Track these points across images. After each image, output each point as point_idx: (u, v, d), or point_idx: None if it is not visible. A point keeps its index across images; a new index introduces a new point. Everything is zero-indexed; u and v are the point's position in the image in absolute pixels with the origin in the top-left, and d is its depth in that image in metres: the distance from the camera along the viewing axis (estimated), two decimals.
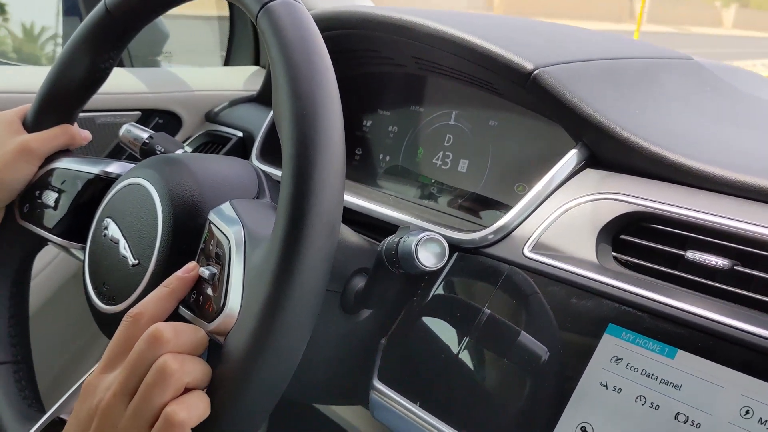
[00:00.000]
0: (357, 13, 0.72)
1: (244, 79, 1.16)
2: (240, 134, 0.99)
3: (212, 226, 0.55)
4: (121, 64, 1.14)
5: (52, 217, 0.72)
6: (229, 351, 0.47)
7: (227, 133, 1.01)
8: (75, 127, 0.75)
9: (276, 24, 0.49)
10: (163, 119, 1.05)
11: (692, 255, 0.53)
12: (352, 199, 0.75)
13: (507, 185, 0.74)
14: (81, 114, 0.86)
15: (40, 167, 0.73)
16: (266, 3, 0.50)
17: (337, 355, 0.62)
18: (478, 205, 0.75)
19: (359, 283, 0.62)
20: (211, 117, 1.08)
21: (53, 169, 0.73)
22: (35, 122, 0.73)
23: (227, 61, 1.25)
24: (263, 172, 0.67)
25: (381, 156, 0.87)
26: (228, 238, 0.52)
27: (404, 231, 0.57)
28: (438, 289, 0.63)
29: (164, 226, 0.58)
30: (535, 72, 0.62)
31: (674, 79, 0.71)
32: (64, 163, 0.73)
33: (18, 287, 0.74)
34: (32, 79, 1.00)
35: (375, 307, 0.63)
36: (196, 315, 0.52)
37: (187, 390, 0.47)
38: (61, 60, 0.71)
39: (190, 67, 1.30)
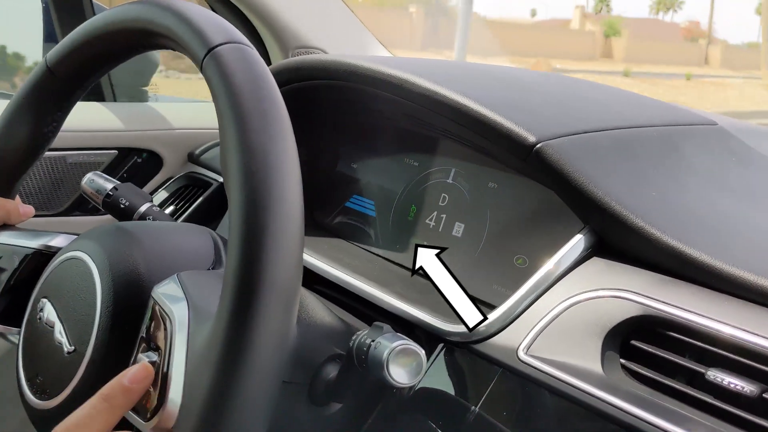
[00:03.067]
0: (344, 63, 0.65)
1: None
2: (221, 180, 0.92)
3: (156, 304, 0.48)
4: (101, 98, 1.06)
5: None
6: None
7: (208, 177, 0.95)
8: (13, 203, 0.66)
9: (223, 70, 0.42)
10: (141, 158, 0.98)
11: (714, 374, 0.46)
12: (329, 269, 0.68)
13: (506, 257, 0.66)
14: (49, 153, 0.78)
15: None
16: (212, 48, 0.43)
17: None
18: (473, 277, 0.67)
19: (331, 372, 0.54)
20: (193, 158, 1.01)
21: None
22: None
23: None
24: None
25: (369, 211, 0.79)
26: (170, 318, 0.45)
27: (377, 331, 0.49)
28: (419, 384, 0.55)
29: (103, 306, 0.50)
30: (538, 146, 0.55)
31: (697, 151, 0.64)
32: (1, 238, 0.64)
33: None
34: None
35: (347, 400, 0.56)
36: (132, 410, 0.45)
37: None
38: None
39: (172, 102, 1.22)
